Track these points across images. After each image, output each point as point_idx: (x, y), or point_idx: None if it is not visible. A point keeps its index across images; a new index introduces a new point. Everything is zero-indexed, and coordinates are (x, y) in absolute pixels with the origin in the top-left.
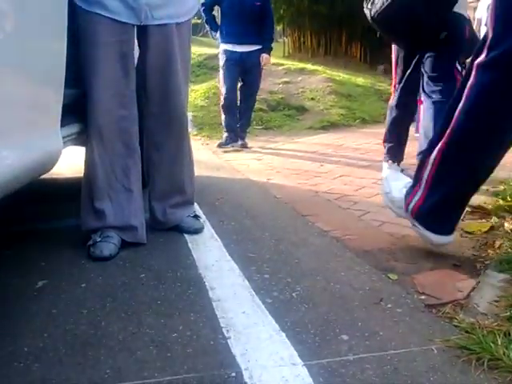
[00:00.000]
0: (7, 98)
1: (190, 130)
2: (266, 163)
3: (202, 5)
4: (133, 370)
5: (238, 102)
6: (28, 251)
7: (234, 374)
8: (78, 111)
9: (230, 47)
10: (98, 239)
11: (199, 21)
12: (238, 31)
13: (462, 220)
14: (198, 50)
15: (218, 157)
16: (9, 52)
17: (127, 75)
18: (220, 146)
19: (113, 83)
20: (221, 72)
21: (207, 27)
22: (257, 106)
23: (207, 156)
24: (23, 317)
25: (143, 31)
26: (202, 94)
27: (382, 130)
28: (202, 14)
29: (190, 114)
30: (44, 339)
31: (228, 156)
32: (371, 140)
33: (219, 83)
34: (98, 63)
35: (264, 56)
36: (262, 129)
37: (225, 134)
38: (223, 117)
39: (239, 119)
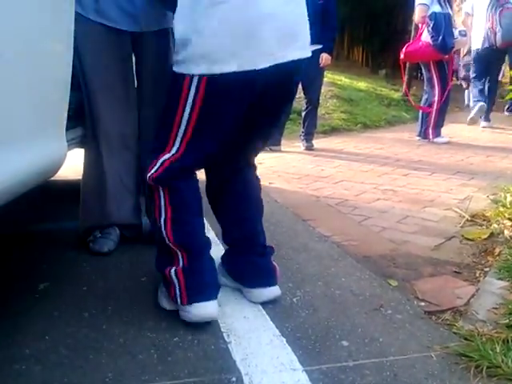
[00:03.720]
0: (13, 102)
1: None
2: (268, 167)
3: None
4: (134, 374)
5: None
6: (29, 254)
7: (234, 379)
8: (82, 114)
9: None
10: (99, 235)
11: None
12: None
13: (462, 227)
14: None
15: None
16: (14, 56)
17: (127, 79)
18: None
19: (114, 88)
20: None
21: None
22: None
23: None
24: (24, 319)
25: (140, 36)
26: None
27: (383, 134)
28: None
29: None
30: (45, 342)
31: None
32: (372, 145)
33: None
34: (98, 70)
35: (324, 55)
36: None
37: None
38: None
39: (303, 124)
